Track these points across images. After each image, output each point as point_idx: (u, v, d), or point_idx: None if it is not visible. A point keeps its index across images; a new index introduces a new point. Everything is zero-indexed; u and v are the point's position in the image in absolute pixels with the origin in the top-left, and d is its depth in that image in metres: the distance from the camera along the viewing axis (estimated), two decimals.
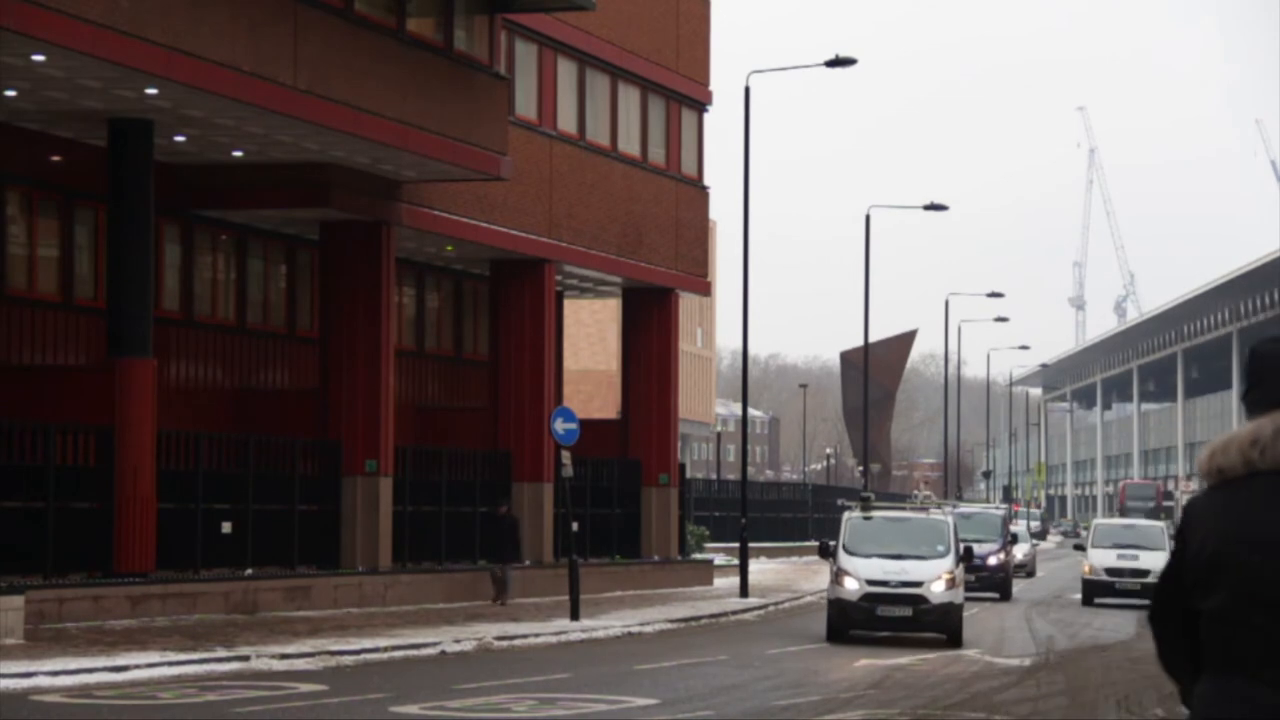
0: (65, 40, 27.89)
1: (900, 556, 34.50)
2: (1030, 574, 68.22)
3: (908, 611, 34.01)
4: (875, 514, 36.14)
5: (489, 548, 42.47)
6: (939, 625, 34.43)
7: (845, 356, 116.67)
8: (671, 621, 38.91)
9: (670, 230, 51.13)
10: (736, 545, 52.55)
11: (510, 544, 41.75)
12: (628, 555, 50.21)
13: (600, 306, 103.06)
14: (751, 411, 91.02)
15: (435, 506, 42.70)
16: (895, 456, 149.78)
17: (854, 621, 34.22)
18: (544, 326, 45.88)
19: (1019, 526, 71.29)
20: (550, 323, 46.47)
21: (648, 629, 37.37)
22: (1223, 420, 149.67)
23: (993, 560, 51.07)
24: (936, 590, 34.12)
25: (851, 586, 34.05)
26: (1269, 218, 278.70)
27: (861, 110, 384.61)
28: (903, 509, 38.41)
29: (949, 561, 34.51)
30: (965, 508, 59.78)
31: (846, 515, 36.01)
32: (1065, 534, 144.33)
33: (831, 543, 35.54)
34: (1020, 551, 65.36)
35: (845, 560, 34.49)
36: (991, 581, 51.17)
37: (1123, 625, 42.24)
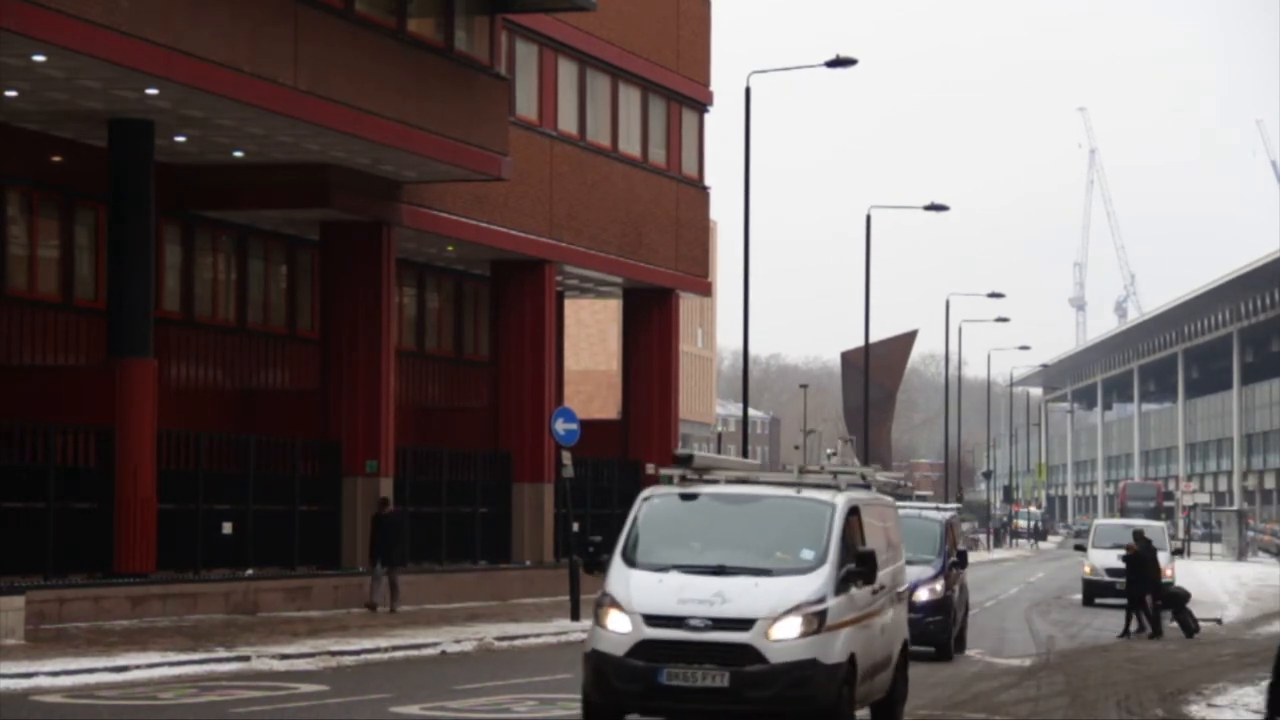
0: (65, 40, 27.88)
1: (722, 570, 18.38)
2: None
3: (719, 679, 17.76)
4: (704, 491, 19.54)
5: (377, 550, 37.47)
6: (792, 706, 17.95)
7: (846, 357, 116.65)
8: None
9: (671, 231, 51.12)
10: None
11: (400, 545, 37.69)
12: None
13: (601, 307, 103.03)
14: (752, 412, 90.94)
15: (436, 507, 42.69)
16: (896, 456, 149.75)
17: (619, 697, 18.17)
18: (544, 327, 45.87)
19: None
20: (551, 323, 46.45)
21: None
22: (1223, 420, 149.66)
23: (924, 594, 31.55)
24: (782, 636, 17.86)
25: (618, 628, 18.07)
26: (1269, 218, 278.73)
27: (862, 110, 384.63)
28: (765, 482, 20.13)
29: (819, 580, 18.32)
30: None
31: (644, 497, 19.55)
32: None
33: (605, 553, 19.34)
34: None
35: (619, 578, 18.53)
36: (919, 629, 28.84)
37: (1123, 625, 42.20)
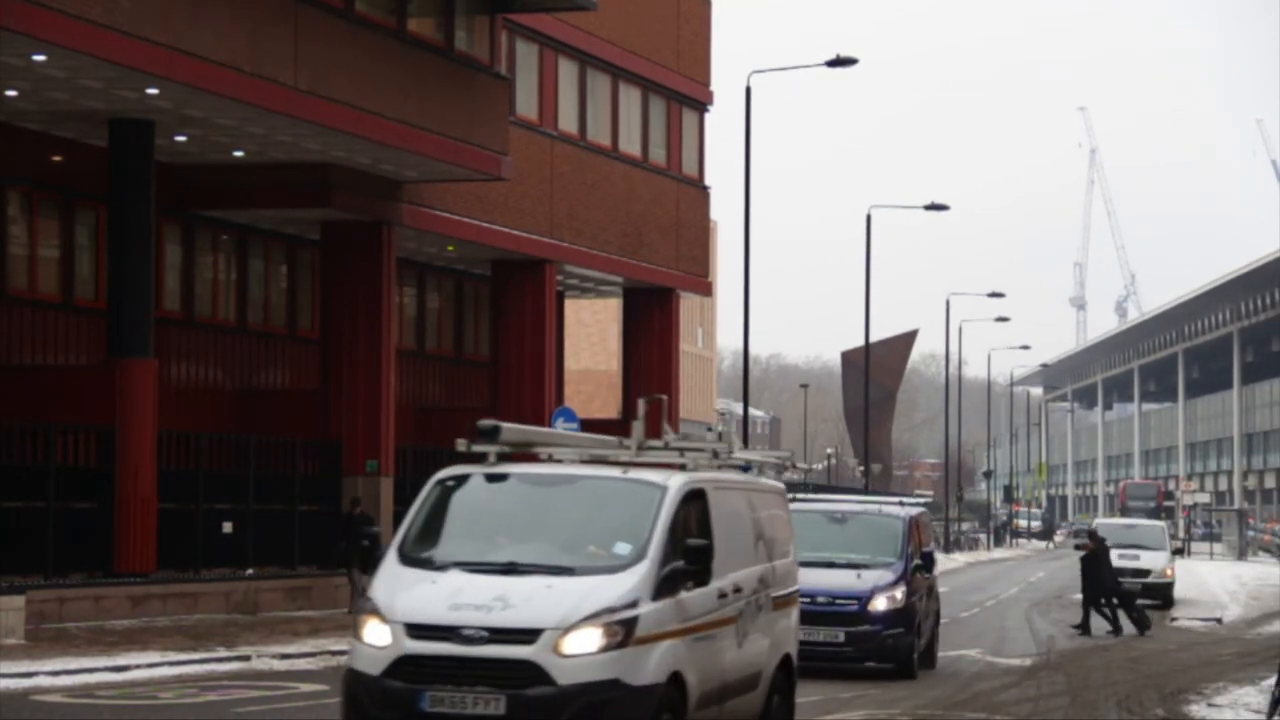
0: (66, 40, 27.88)
1: (513, 569, 15.10)
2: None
3: (493, 705, 14.48)
4: (512, 471, 16.22)
5: (348, 551, 36.30)
6: None
7: (846, 356, 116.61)
8: None
9: (671, 230, 51.11)
10: None
11: (364, 544, 35.58)
12: None
13: (601, 306, 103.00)
14: (752, 411, 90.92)
15: None
16: (896, 456, 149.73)
17: None
18: (545, 327, 45.87)
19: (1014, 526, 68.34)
20: (551, 323, 46.45)
21: None
22: (1223, 420, 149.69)
23: (881, 603, 27.99)
24: (575, 651, 14.55)
25: (376, 641, 15.07)
26: (1269, 218, 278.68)
27: (862, 110, 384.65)
28: (589, 462, 16.90)
29: (632, 580, 14.97)
30: (831, 502, 34.47)
31: (437, 479, 16.54)
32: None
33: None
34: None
35: (387, 578, 15.51)
36: (876, 643, 27.94)
37: (1123, 625, 42.22)
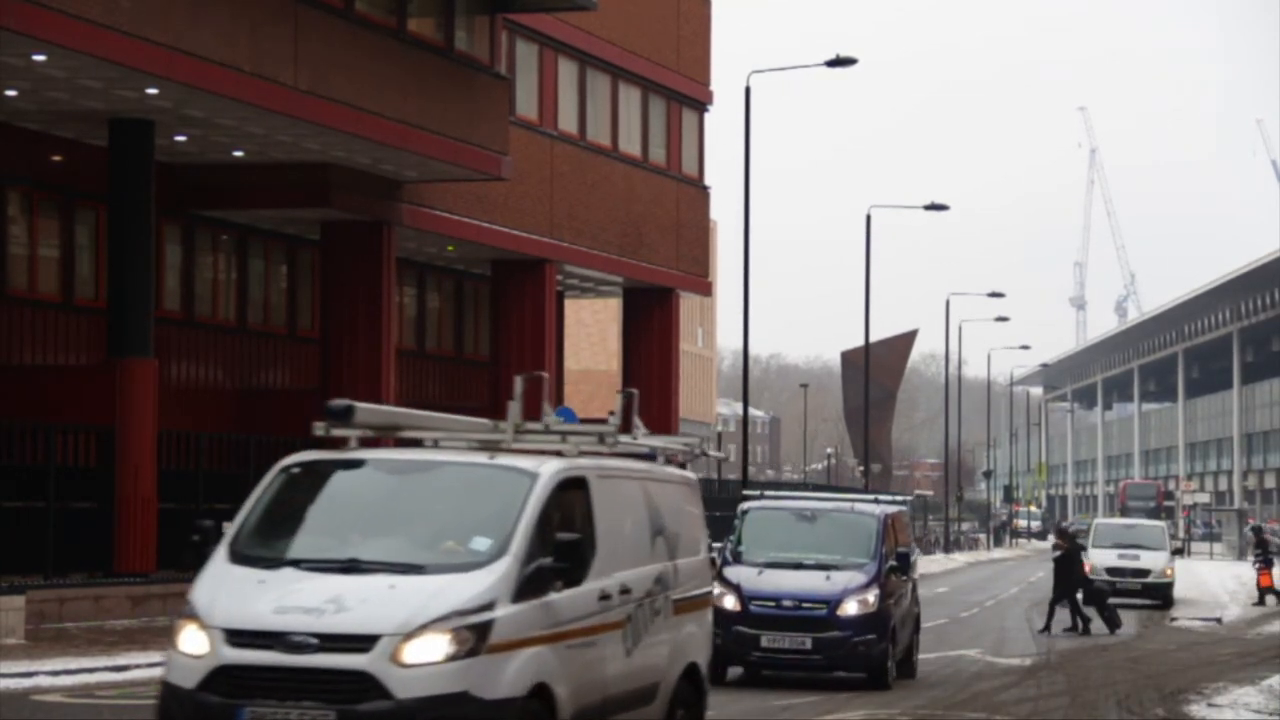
0: (65, 40, 27.88)
1: (354, 567, 13.54)
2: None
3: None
4: (367, 457, 14.77)
5: None
6: None
7: (846, 356, 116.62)
8: None
9: (671, 230, 51.12)
10: None
11: None
12: None
13: (601, 306, 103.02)
14: (752, 411, 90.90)
15: None
16: (896, 456, 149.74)
17: None
18: (545, 326, 45.87)
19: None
20: (551, 323, 46.45)
21: None
22: (1223, 420, 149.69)
23: (852, 607, 26.02)
24: (418, 660, 12.97)
25: (193, 649, 13.33)
26: (1269, 218, 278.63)
27: (862, 110, 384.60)
28: (455, 447, 15.24)
29: (489, 579, 13.42)
30: (802, 499, 31.81)
31: (281, 466, 14.71)
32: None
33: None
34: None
35: (211, 579, 13.67)
36: (846, 650, 26.01)
37: (1124, 625, 42.22)
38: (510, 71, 42.06)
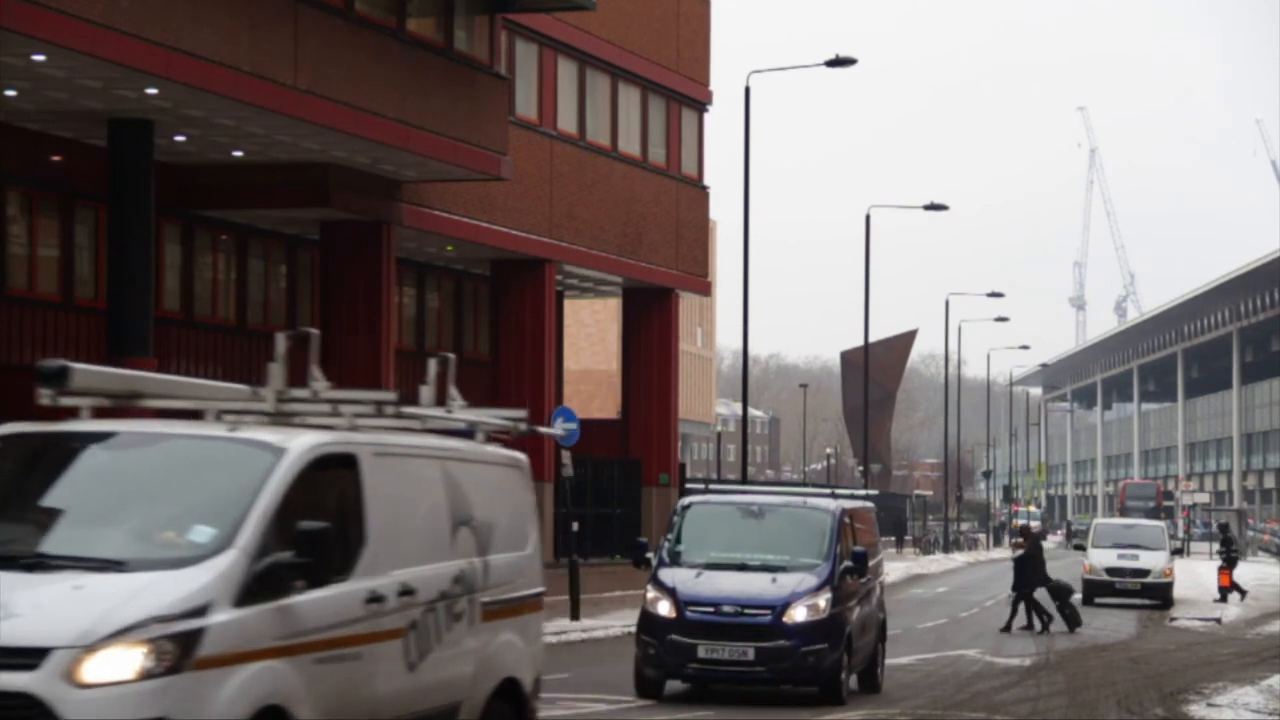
0: (65, 40, 27.87)
1: (40, 564, 11.34)
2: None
3: None
4: (78, 429, 13.21)
5: None
6: None
7: (845, 356, 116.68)
8: None
9: (670, 230, 51.12)
10: None
11: None
12: (628, 555, 50.08)
13: (600, 306, 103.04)
14: (752, 411, 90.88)
15: None
16: (895, 456, 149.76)
17: None
18: (544, 326, 45.87)
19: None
20: (550, 323, 46.46)
21: None
22: (1223, 420, 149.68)
23: (800, 613, 23.56)
24: (100, 678, 10.51)
25: None
26: (1269, 218, 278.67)
27: (862, 110, 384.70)
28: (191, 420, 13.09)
29: (205, 577, 11.14)
30: (749, 493, 31.17)
31: None
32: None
33: None
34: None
35: None
36: (793, 661, 23.49)
37: (1123, 625, 42.26)
38: (510, 71, 42.06)
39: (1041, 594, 40.95)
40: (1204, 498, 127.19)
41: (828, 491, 27.65)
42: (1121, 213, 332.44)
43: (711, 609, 23.35)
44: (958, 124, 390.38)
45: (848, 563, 24.30)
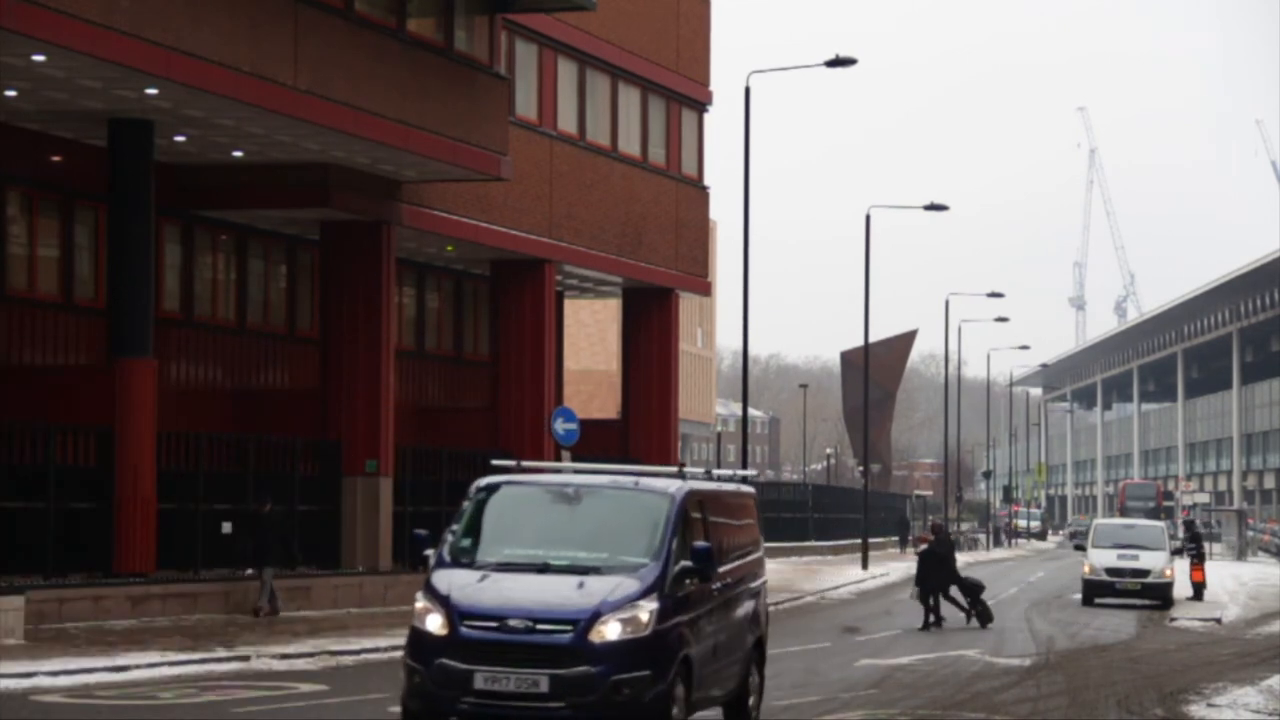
0: (65, 40, 27.88)
1: None
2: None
3: None
4: None
5: (253, 551, 35.33)
6: None
7: (845, 357, 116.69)
8: None
9: (670, 230, 51.12)
10: None
11: (277, 544, 35.32)
12: None
13: (600, 306, 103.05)
14: (752, 412, 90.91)
15: (435, 507, 42.66)
16: (895, 456, 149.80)
17: None
18: (544, 326, 45.88)
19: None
20: (550, 323, 46.46)
21: None
22: (1223, 420, 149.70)
23: (613, 629, 17.63)
24: None
25: None
26: (1269, 218, 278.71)
27: (862, 110, 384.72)
28: None
29: None
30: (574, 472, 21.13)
31: None
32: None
33: None
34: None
35: None
36: (601, 693, 17.43)
37: (1123, 625, 42.24)
38: (510, 71, 42.07)
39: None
40: (1204, 498, 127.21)
41: (674, 470, 20.35)
42: (1121, 213, 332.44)
43: (494, 624, 17.50)
44: (958, 124, 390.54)
45: (686, 563, 18.44)
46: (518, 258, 44.93)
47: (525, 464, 20.14)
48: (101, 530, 32.44)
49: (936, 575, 40.70)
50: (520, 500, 19.44)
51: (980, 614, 40.81)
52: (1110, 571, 50.84)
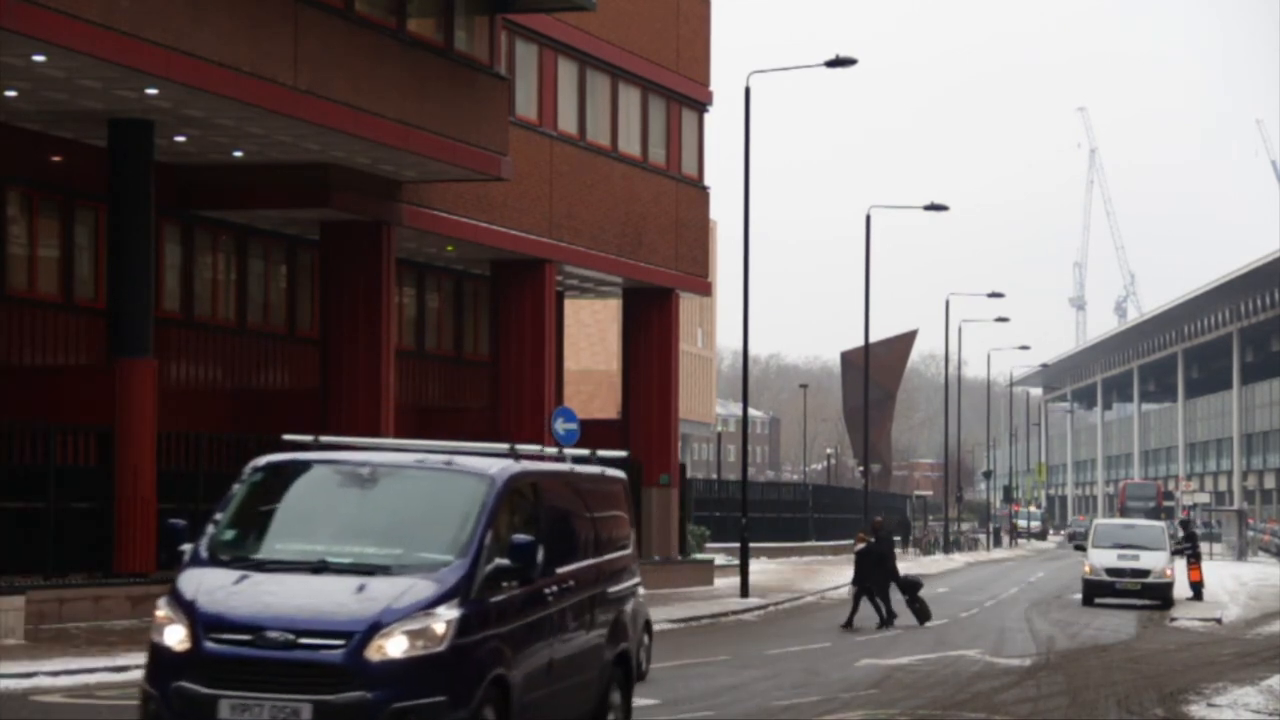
0: (65, 40, 27.88)
1: None
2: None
3: None
4: None
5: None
6: None
7: (846, 357, 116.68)
8: (672, 621, 38.88)
9: (670, 230, 51.12)
10: (737, 545, 52.55)
11: None
12: None
13: (600, 306, 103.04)
14: (752, 412, 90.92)
15: None
16: (896, 457, 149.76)
17: None
18: (544, 326, 45.87)
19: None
20: (550, 323, 46.45)
21: None
22: (1223, 420, 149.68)
23: (396, 643, 14.14)
24: None
25: None
26: (1269, 218, 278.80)
27: (862, 110, 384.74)
28: None
29: None
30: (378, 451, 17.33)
31: None
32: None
33: None
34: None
35: None
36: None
37: (1123, 625, 42.25)
38: (510, 71, 42.06)
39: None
40: (1204, 498, 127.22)
41: (505, 448, 16.66)
42: (1121, 213, 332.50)
43: (247, 637, 14.24)
44: (958, 124, 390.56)
45: (503, 561, 15.11)
46: (518, 258, 44.93)
47: (325, 439, 17.18)
48: (101, 530, 32.43)
49: (875, 574, 40.70)
50: (303, 483, 16.40)
51: (918, 611, 40.87)
52: (1110, 571, 50.84)
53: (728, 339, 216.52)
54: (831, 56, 50.03)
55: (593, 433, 45.15)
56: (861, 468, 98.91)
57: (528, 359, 45.69)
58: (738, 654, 31.75)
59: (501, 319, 46.31)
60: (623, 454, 19.36)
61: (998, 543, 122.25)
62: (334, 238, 40.18)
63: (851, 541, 42.20)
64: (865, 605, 40.50)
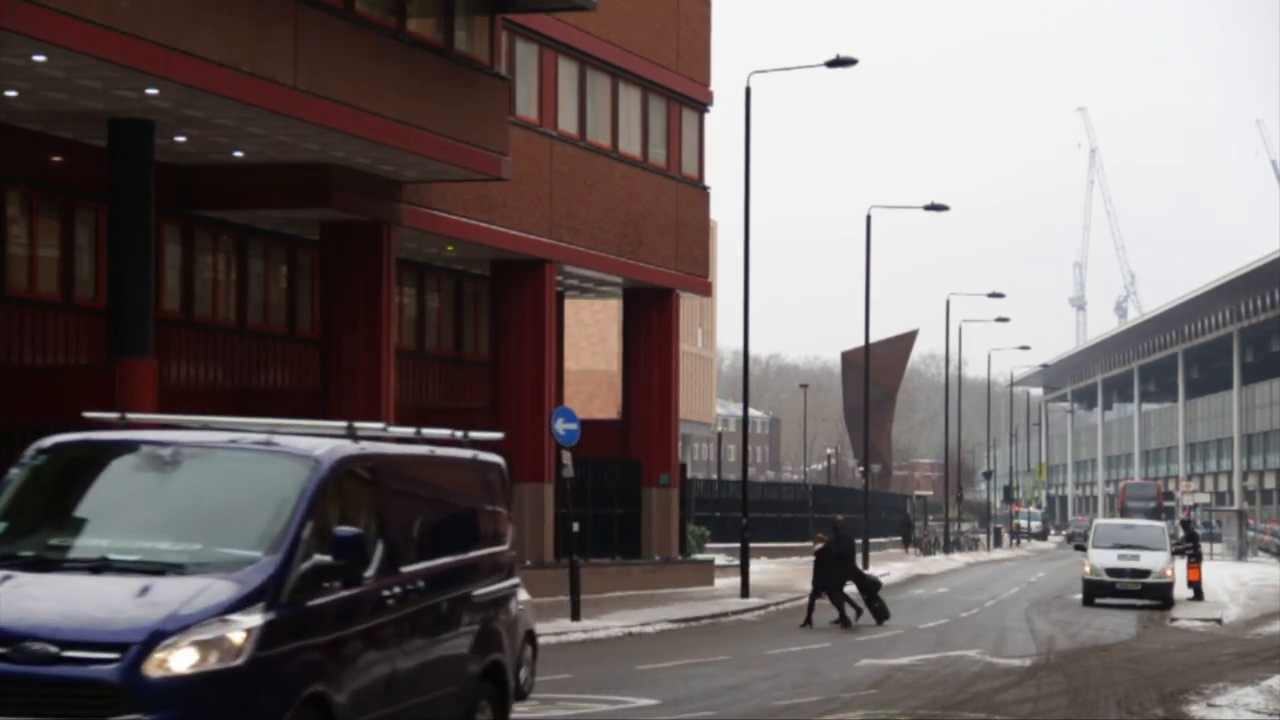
0: (65, 40, 27.86)
1: None
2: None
3: None
4: None
5: None
6: None
7: (846, 357, 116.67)
8: (672, 621, 38.90)
9: (671, 230, 51.12)
10: (737, 545, 52.57)
11: None
12: (628, 555, 50.15)
13: (601, 306, 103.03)
14: (752, 412, 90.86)
15: None
16: (896, 457, 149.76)
17: None
18: (544, 327, 45.87)
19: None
20: (551, 323, 46.45)
21: (648, 629, 37.36)
22: (1223, 420, 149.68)
23: (183, 656, 12.09)
24: None
25: None
26: (1269, 218, 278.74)
27: (862, 110, 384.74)
28: None
29: None
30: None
31: None
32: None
33: None
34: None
35: None
36: None
37: (1123, 625, 42.25)
38: (510, 72, 42.05)
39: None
40: (1204, 498, 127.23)
41: (341, 427, 14.44)
42: (1121, 213, 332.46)
43: (2, 650, 12.09)
44: (958, 124, 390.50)
45: (323, 558, 13.14)
46: (518, 258, 44.92)
47: (133, 417, 14.78)
48: None
49: (833, 574, 40.70)
50: (93, 468, 13.81)
51: (877, 610, 40.90)
52: (1111, 572, 50.84)
53: (728, 339, 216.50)
54: (832, 56, 50.06)
55: (593, 433, 45.17)
56: (862, 468, 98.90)
57: (528, 359, 45.69)
58: (738, 654, 31.76)
59: (501, 319, 46.31)
60: (498, 435, 17.39)
61: (998, 543, 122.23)
62: (334, 238, 40.17)
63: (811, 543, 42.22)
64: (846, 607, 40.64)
